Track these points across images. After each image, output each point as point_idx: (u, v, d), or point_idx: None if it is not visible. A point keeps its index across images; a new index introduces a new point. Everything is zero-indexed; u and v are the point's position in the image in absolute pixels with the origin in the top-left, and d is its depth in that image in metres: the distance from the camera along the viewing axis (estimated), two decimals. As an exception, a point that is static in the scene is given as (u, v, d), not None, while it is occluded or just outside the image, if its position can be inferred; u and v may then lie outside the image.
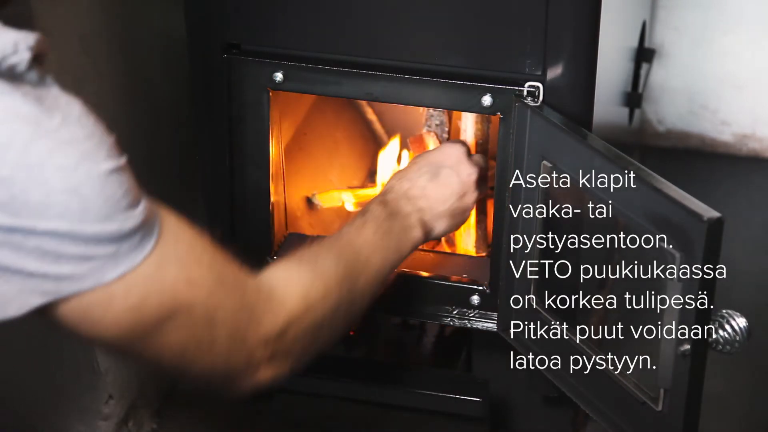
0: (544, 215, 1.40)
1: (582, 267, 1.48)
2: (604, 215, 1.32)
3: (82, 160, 0.92)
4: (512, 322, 1.49)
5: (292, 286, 1.15)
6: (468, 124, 1.57)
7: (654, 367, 1.25)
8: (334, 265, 1.23)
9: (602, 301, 1.66)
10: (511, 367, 1.58)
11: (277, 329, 1.11)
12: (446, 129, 1.64)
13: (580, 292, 1.49)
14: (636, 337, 1.43)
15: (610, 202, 1.28)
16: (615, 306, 1.50)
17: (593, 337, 1.45)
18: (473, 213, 1.56)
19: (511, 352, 1.49)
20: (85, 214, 0.92)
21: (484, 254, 1.59)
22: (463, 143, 1.49)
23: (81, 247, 0.93)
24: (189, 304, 1.01)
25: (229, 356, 1.08)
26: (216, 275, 1.04)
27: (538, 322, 1.44)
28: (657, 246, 1.21)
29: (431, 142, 1.64)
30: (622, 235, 1.39)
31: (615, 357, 1.36)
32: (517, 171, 1.40)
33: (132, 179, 0.97)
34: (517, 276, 1.45)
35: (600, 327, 1.61)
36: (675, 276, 1.19)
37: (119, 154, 0.96)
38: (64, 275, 0.94)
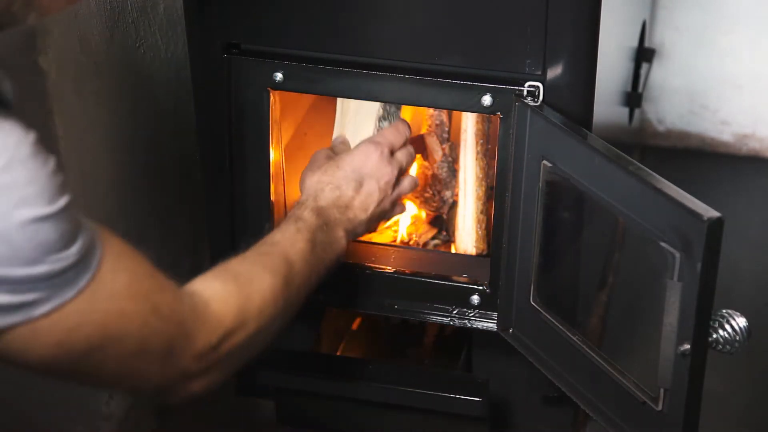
0: (544, 215, 1.40)
1: (582, 267, 1.48)
2: (604, 215, 1.32)
3: (17, 207, 0.91)
4: (512, 321, 1.49)
5: (228, 302, 1.16)
6: (468, 124, 1.57)
7: (654, 367, 1.25)
8: (270, 278, 1.25)
9: (602, 301, 1.66)
10: (511, 367, 1.59)
11: (210, 345, 1.12)
12: (446, 129, 1.64)
13: (580, 292, 1.50)
14: (636, 336, 1.43)
15: (610, 201, 1.28)
16: (615, 306, 1.51)
17: (593, 337, 1.45)
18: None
19: (511, 352, 1.49)
20: (14, 260, 0.92)
21: (483, 253, 1.59)
22: (391, 138, 1.50)
23: (9, 289, 0.93)
24: (119, 336, 1.02)
25: (162, 373, 1.09)
26: (151, 305, 1.04)
27: (538, 322, 1.44)
28: (657, 246, 1.21)
29: (432, 144, 1.64)
30: (622, 235, 1.40)
31: (615, 357, 1.36)
32: (517, 171, 1.40)
33: (72, 218, 0.96)
34: (517, 276, 1.45)
35: (600, 327, 1.61)
36: (675, 276, 1.19)
37: (61, 195, 0.94)
38: None
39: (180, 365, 1.10)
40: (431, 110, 1.64)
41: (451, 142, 1.65)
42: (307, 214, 1.40)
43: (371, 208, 1.47)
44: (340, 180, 1.45)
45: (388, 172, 1.48)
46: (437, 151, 1.64)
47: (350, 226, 1.45)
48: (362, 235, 1.50)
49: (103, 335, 1.00)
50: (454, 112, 1.64)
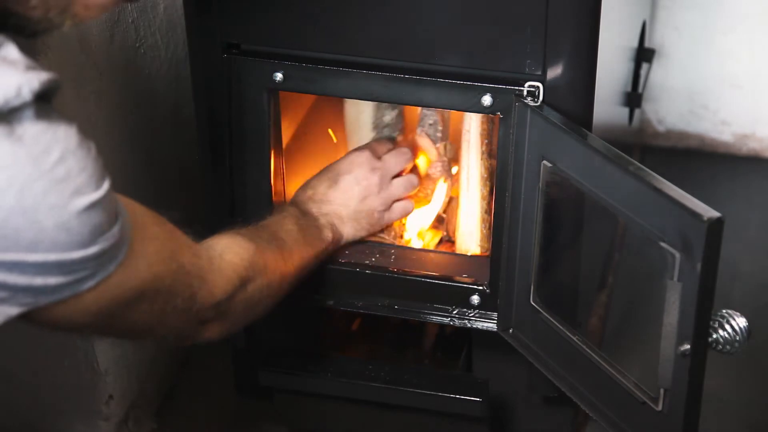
0: (544, 215, 1.40)
1: (582, 267, 1.48)
2: (604, 215, 1.32)
3: (73, 196, 0.96)
4: (512, 321, 1.49)
5: (240, 254, 1.29)
6: (472, 125, 1.57)
7: (654, 367, 1.25)
8: (267, 246, 1.36)
9: (602, 301, 1.66)
10: (511, 367, 1.59)
11: (227, 293, 1.24)
12: (439, 128, 1.64)
13: (580, 292, 1.50)
14: (636, 337, 1.43)
15: (610, 201, 1.28)
16: (615, 306, 1.51)
17: (593, 337, 1.45)
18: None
19: (511, 352, 1.49)
20: (71, 244, 0.98)
21: (487, 253, 1.59)
22: (376, 146, 1.57)
23: (65, 271, 0.99)
24: (153, 295, 1.11)
25: (186, 322, 1.20)
26: (177, 264, 1.15)
27: (538, 322, 1.44)
28: (657, 246, 1.21)
29: (425, 144, 1.64)
30: (622, 235, 1.40)
31: (615, 357, 1.36)
32: (517, 171, 1.40)
33: (113, 198, 1.02)
34: (517, 276, 1.45)
35: (600, 327, 1.61)
36: (675, 276, 1.19)
37: (105, 178, 1.00)
38: (46, 289, 0.99)
39: (200, 313, 1.21)
40: (424, 110, 1.64)
41: (447, 142, 1.65)
42: (288, 208, 1.50)
43: (352, 204, 1.53)
44: (314, 180, 1.55)
45: (367, 171, 1.54)
46: (431, 151, 1.64)
47: (331, 220, 1.51)
48: (358, 233, 1.55)
49: (140, 296, 1.09)
50: (452, 112, 1.64)
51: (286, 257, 1.39)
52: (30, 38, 1.00)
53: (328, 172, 1.55)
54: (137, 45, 1.68)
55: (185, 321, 1.20)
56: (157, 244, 1.11)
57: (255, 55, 1.46)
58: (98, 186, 0.99)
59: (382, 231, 1.59)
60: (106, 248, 1.01)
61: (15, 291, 0.97)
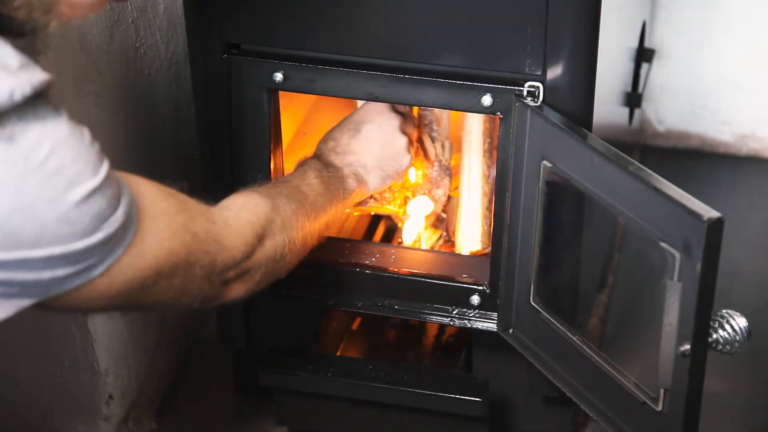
0: (544, 215, 1.40)
1: (582, 267, 1.48)
2: (604, 215, 1.32)
3: (69, 187, 0.96)
4: (512, 321, 1.49)
5: (256, 211, 1.27)
6: (474, 125, 1.58)
7: (654, 367, 1.25)
8: (287, 202, 1.34)
9: (602, 301, 1.66)
10: (511, 367, 1.59)
11: (245, 254, 1.23)
12: (435, 128, 1.64)
13: (580, 292, 1.49)
14: (636, 337, 1.43)
15: (610, 201, 1.28)
16: (615, 306, 1.50)
17: (593, 337, 1.45)
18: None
19: (511, 352, 1.49)
20: (74, 235, 0.98)
21: (487, 250, 1.59)
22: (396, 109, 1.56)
23: (72, 261, 0.99)
24: (171, 270, 1.10)
25: (208, 287, 1.19)
26: (191, 235, 1.13)
27: (538, 322, 1.44)
28: (657, 246, 1.21)
29: (426, 144, 1.64)
30: (622, 235, 1.40)
31: (615, 357, 1.36)
32: (517, 171, 1.40)
33: (113, 181, 1.01)
34: (517, 276, 1.45)
35: (600, 327, 1.61)
36: (675, 276, 1.19)
37: (102, 163, 1.00)
38: (56, 281, 0.99)
39: (222, 275, 1.20)
40: (422, 110, 1.64)
41: (444, 140, 1.65)
42: (310, 161, 1.48)
43: (376, 150, 1.53)
44: (335, 132, 1.54)
45: (387, 116, 1.54)
46: (430, 150, 1.65)
47: (356, 170, 1.50)
48: (383, 181, 1.54)
49: (156, 274, 1.08)
50: (452, 112, 1.64)
51: (308, 211, 1.38)
52: (17, 38, 1.00)
53: (349, 123, 1.54)
54: (137, 45, 1.68)
55: (208, 286, 1.19)
56: (166, 218, 1.10)
57: (255, 55, 1.46)
58: (95, 172, 0.98)
59: (398, 180, 1.59)
60: (111, 233, 1.00)
61: (25, 286, 0.97)
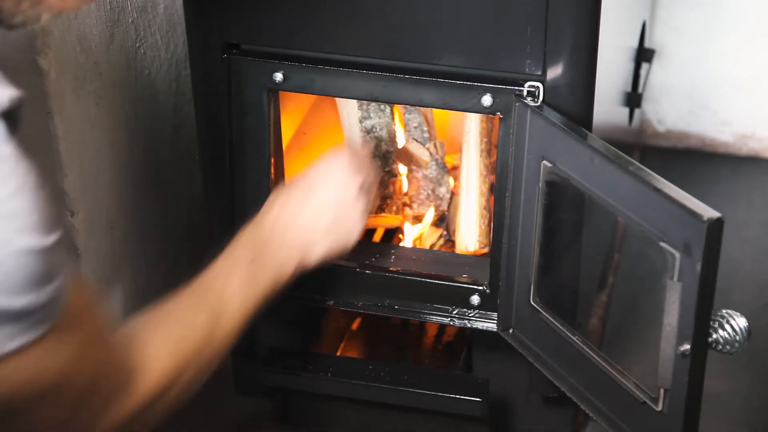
0: (544, 215, 1.40)
1: (582, 267, 1.48)
2: (604, 215, 1.32)
3: (18, 234, 0.90)
4: (512, 321, 1.49)
5: (159, 366, 1.16)
6: (472, 125, 1.58)
7: (654, 367, 1.25)
8: (200, 329, 1.24)
9: (602, 301, 1.66)
10: (511, 367, 1.59)
11: (145, 404, 1.14)
12: (425, 129, 1.64)
13: (580, 292, 1.50)
14: (636, 337, 1.43)
15: (610, 201, 1.28)
16: (615, 306, 1.51)
17: (593, 337, 1.45)
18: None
19: (511, 352, 1.49)
20: (1, 287, 0.90)
21: (486, 249, 1.60)
22: (353, 153, 1.46)
23: None
24: (67, 387, 1.02)
25: (90, 426, 1.09)
26: (99, 364, 1.05)
27: (538, 322, 1.44)
28: (657, 246, 1.21)
29: (415, 149, 1.64)
30: (622, 235, 1.40)
31: (615, 357, 1.36)
32: (517, 171, 1.40)
33: (59, 254, 0.95)
34: (517, 276, 1.45)
35: (600, 327, 1.61)
36: (675, 276, 1.19)
37: (56, 228, 0.94)
38: None
39: (114, 417, 1.10)
40: (407, 114, 1.64)
41: (435, 141, 1.65)
42: (240, 251, 1.35)
43: (324, 221, 1.40)
44: (286, 192, 1.42)
45: (351, 181, 1.41)
46: (423, 153, 1.65)
47: (296, 251, 1.39)
48: (331, 248, 1.43)
49: (54, 386, 1.00)
50: (437, 112, 1.64)
51: (223, 329, 1.28)
52: (9, 30, 0.97)
53: (303, 184, 1.41)
54: (137, 45, 1.68)
55: (92, 426, 1.09)
56: (87, 337, 1.02)
57: (255, 55, 1.46)
58: (47, 233, 0.92)
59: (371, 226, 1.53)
60: (32, 307, 0.92)
61: None
